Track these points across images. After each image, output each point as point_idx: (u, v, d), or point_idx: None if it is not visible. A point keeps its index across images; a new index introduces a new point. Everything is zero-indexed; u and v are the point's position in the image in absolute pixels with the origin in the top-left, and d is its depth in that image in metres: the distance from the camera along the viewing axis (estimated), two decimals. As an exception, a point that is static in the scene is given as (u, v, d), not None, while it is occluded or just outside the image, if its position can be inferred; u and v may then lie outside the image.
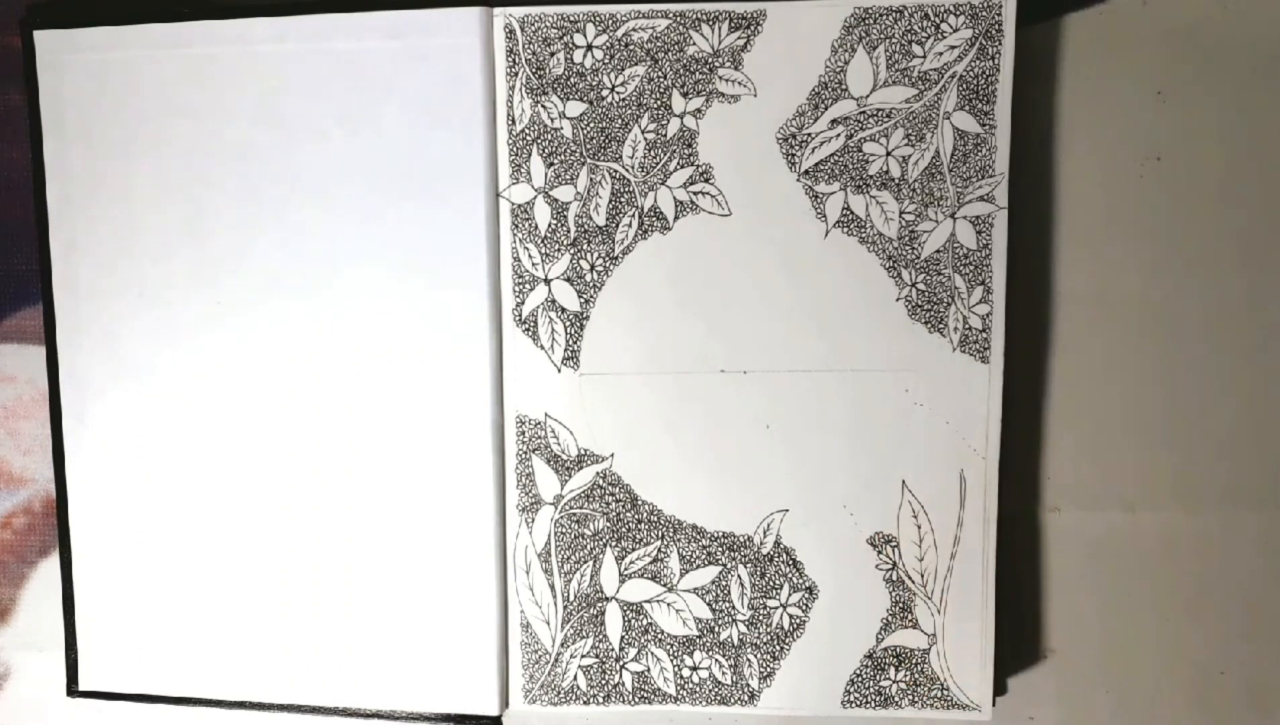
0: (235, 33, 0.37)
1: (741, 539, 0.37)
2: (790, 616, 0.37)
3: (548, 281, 0.37)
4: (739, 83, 0.36)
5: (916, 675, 0.37)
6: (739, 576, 0.37)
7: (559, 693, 0.37)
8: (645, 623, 0.37)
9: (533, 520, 0.37)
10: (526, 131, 0.36)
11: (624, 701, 0.37)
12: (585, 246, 0.36)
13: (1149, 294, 0.36)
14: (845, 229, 0.36)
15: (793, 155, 0.36)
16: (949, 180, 0.35)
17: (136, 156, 0.38)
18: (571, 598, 0.37)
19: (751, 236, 0.36)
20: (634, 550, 0.37)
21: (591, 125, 0.36)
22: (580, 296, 0.37)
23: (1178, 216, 0.36)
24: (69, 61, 0.38)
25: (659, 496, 0.37)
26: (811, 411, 0.36)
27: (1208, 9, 0.36)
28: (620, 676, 0.37)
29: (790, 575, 0.37)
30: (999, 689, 0.37)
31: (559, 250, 0.37)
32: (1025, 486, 0.37)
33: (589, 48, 0.36)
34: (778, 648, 0.37)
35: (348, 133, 0.37)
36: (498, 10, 0.36)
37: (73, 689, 0.39)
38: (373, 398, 0.37)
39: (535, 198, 0.36)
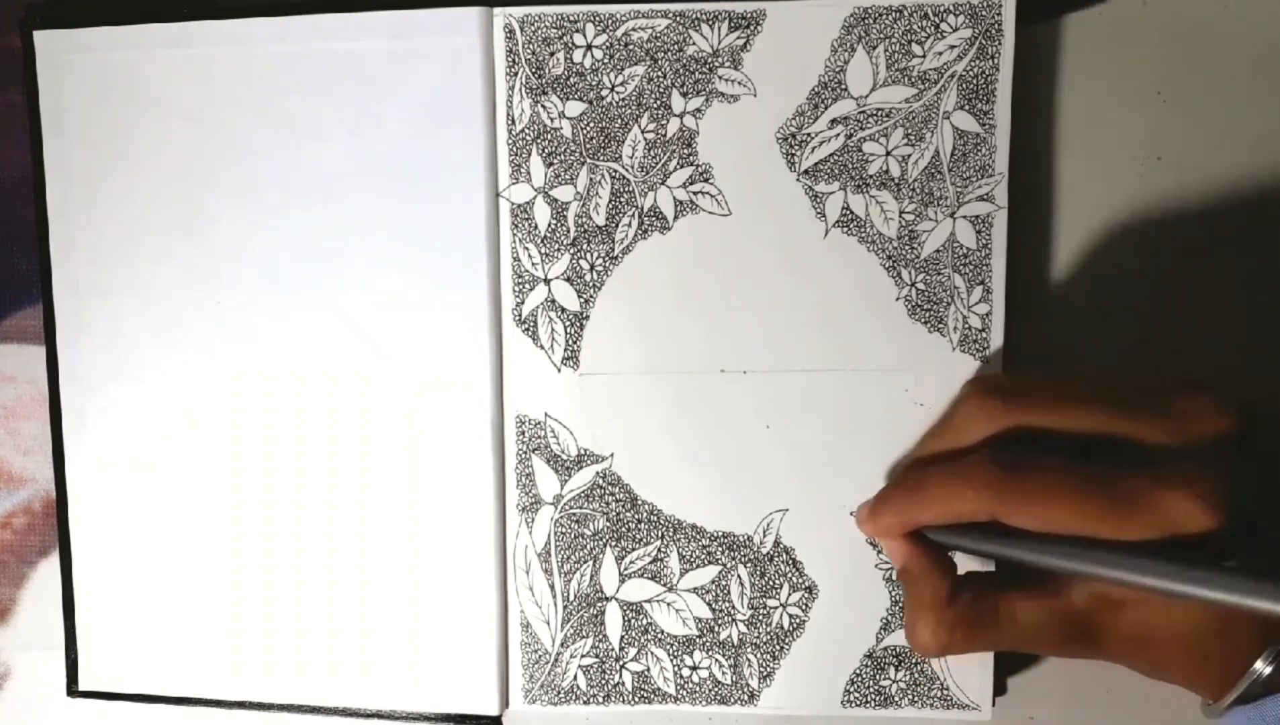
0: (235, 33, 0.37)
1: (741, 539, 0.37)
2: (790, 616, 0.37)
3: (547, 281, 0.37)
4: (739, 82, 0.36)
5: (916, 675, 0.37)
6: (739, 576, 0.37)
7: (559, 693, 0.37)
8: (645, 622, 0.37)
9: (533, 520, 0.37)
10: (526, 131, 0.36)
11: (624, 701, 0.37)
12: (585, 246, 0.36)
13: (1148, 294, 0.36)
14: (845, 229, 0.36)
15: (792, 155, 0.36)
16: (949, 180, 0.35)
17: (136, 156, 0.38)
18: (571, 598, 0.37)
19: (751, 236, 0.36)
20: (634, 550, 0.37)
21: (591, 125, 0.36)
22: (580, 296, 0.37)
23: (1178, 216, 0.36)
24: (69, 61, 0.38)
25: (659, 496, 0.37)
26: (811, 411, 0.36)
27: (1208, 9, 0.36)
28: (620, 676, 0.37)
29: (790, 575, 0.37)
30: (999, 689, 0.37)
31: (559, 250, 0.37)
32: (1025, 486, 0.37)
33: (589, 48, 0.36)
34: (777, 647, 0.37)
35: (348, 133, 0.37)
36: (497, 10, 0.36)
37: (73, 689, 0.39)
38: (372, 398, 0.37)
39: (535, 198, 0.36)
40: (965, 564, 0.35)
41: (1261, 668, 0.29)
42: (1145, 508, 0.28)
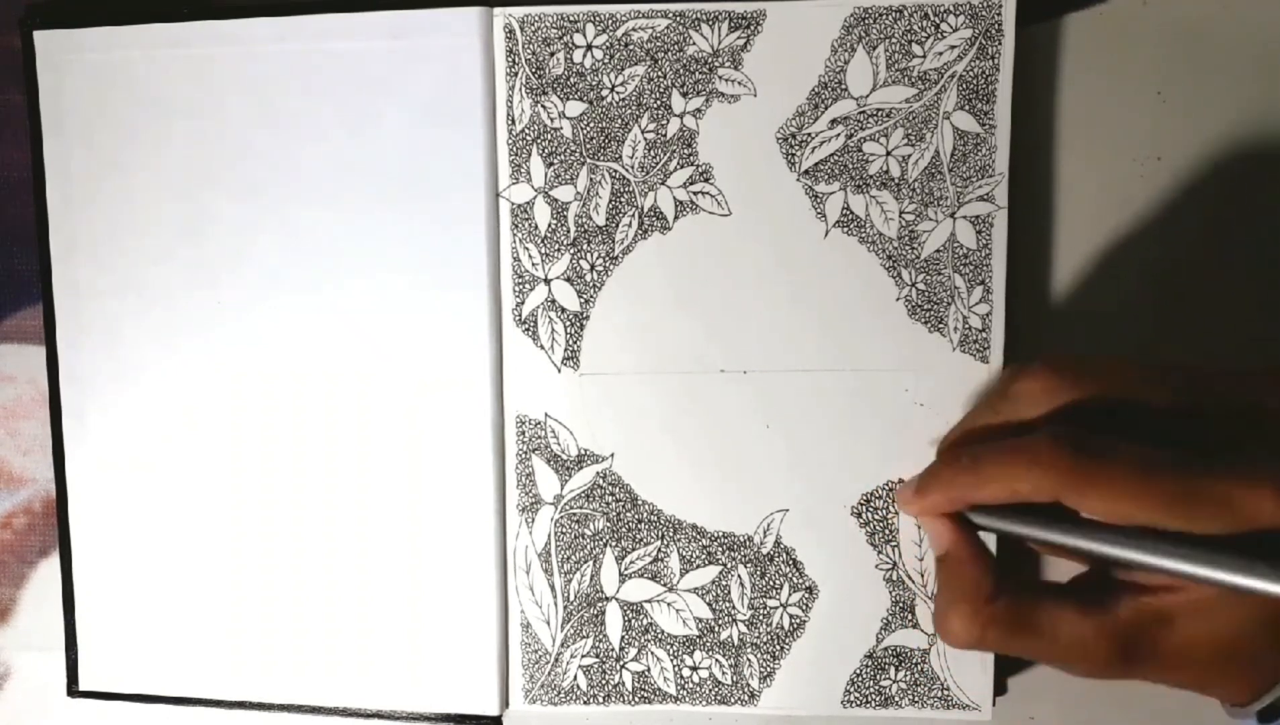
0: (235, 33, 0.37)
1: (741, 539, 0.37)
2: (790, 616, 0.37)
3: (548, 281, 0.37)
4: (739, 83, 0.36)
5: (916, 675, 0.37)
6: (739, 576, 0.37)
7: (559, 693, 0.37)
8: (645, 622, 0.37)
9: (533, 520, 0.37)
10: (526, 131, 0.36)
11: (624, 701, 0.37)
12: (585, 246, 0.36)
13: (1148, 294, 0.36)
14: (845, 229, 0.36)
15: (793, 155, 0.36)
16: (949, 180, 0.35)
17: (136, 156, 0.38)
18: (571, 598, 0.37)
19: (751, 236, 0.36)
20: (634, 550, 0.37)
21: (591, 125, 0.36)
22: (580, 296, 0.37)
23: (1178, 216, 0.36)
24: (69, 61, 0.38)
25: (659, 496, 0.37)
26: (811, 411, 0.36)
27: (1208, 9, 0.36)
28: (620, 676, 0.37)
29: (790, 575, 0.37)
30: (999, 689, 0.37)
31: (559, 250, 0.37)
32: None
33: (589, 48, 0.36)
34: (778, 648, 0.37)
35: (348, 133, 0.37)
36: (498, 10, 0.36)
37: (73, 689, 0.39)
38: (372, 398, 0.37)
39: (535, 198, 0.36)
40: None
41: None
42: (1221, 499, 0.26)
